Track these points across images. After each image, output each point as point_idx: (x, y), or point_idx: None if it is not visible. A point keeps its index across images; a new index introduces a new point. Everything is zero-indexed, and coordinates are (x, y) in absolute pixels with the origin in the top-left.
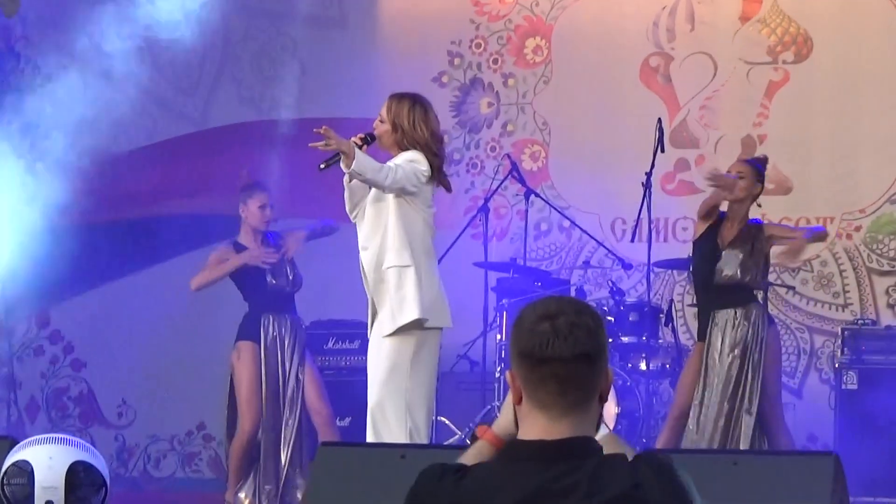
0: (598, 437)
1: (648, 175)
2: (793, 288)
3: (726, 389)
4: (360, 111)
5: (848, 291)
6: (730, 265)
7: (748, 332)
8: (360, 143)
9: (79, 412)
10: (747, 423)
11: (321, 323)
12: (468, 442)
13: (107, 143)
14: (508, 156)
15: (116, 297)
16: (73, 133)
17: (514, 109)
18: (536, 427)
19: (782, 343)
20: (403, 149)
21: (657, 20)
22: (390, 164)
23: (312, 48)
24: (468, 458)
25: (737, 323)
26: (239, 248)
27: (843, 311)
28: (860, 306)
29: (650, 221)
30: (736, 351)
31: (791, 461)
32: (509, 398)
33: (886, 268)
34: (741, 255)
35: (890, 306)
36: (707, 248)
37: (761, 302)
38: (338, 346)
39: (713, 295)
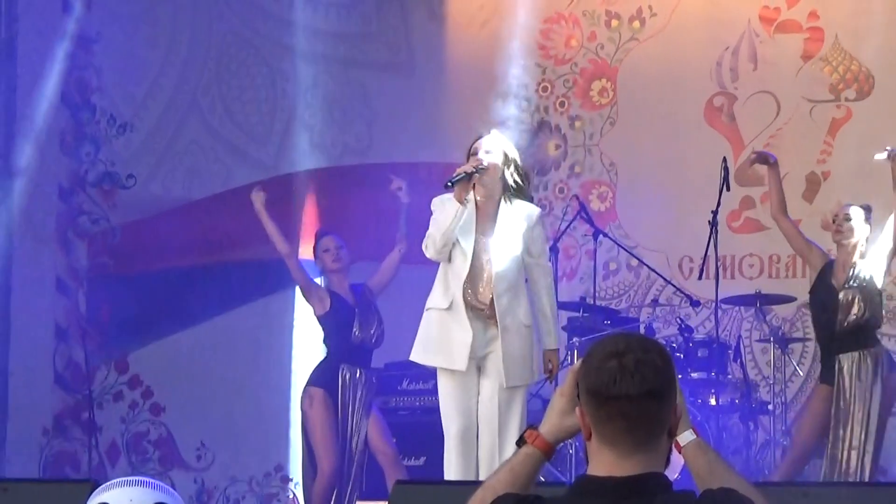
0: (683, 444)
1: (715, 213)
2: None
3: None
4: (429, 156)
5: None
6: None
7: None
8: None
9: (158, 455)
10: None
11: (396, 364)
12: (517, 446)
13: (182, 191)
14: (576, 197)
15: (193, 343)
16: (149, 182)
17: (581, 151)
18: (605, 463)
19: None
20: (508, 186)
21: (720, 60)
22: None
23: (381, 94)
24: (516, 464)
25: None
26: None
27: None
28: None
29: (717, 259)
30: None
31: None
32: (555, 402)
33: None
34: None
35: None
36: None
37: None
38: (412, 387)
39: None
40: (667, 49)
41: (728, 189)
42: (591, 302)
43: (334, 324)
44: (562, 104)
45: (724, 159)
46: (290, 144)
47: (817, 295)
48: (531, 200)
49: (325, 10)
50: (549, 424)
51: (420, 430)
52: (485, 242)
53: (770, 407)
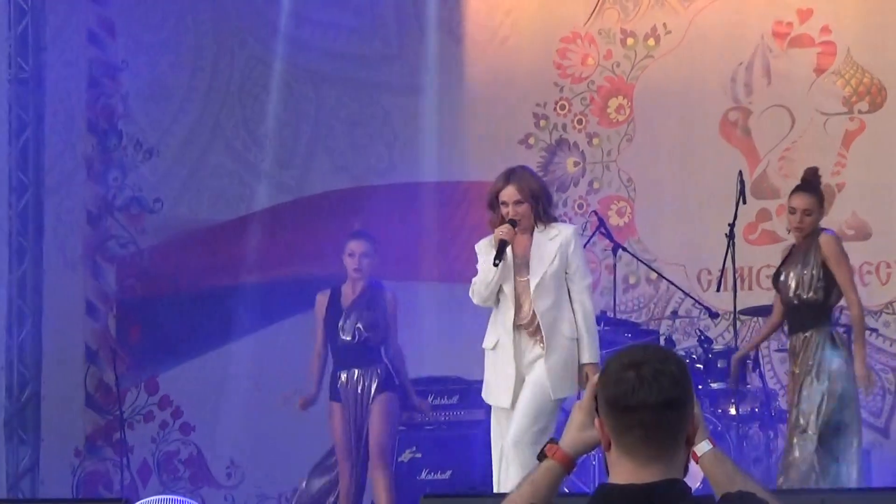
0: (700, 454)
1: (731, 226)
2: (875, 330)
3: None
4: (449, 175)
5: None
6: None
7: None
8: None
9: (189, 474)
10: None
11: (420, 380)
12: (537, 460)
13: (208, 214)
14: (595, 212)
15: (221, 363)
16: (175, 205)
17: (600, 167)
18: (625, 472)
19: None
20: (539, 216)
21: (734, 76)
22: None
23: (402, 115)
24: (537, 478)
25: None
26: (334, 294)
27: None
28: None
29: (734, 271)
30: None
31: (875, 498)
32: (574, 417)
33: None
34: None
35: None
36: None
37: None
38: (437, 402)
39: None
40: (682, 66)
41: (744, 202)
42: (612, 315)
43: (327, 329)
44: (579, 122)
45: (740, 173)
46: (312, 166)
47: None
48: (555, 217)
49: (346, 34)
50: (569, 438)
51: (445, 445)
52: (524, 272)
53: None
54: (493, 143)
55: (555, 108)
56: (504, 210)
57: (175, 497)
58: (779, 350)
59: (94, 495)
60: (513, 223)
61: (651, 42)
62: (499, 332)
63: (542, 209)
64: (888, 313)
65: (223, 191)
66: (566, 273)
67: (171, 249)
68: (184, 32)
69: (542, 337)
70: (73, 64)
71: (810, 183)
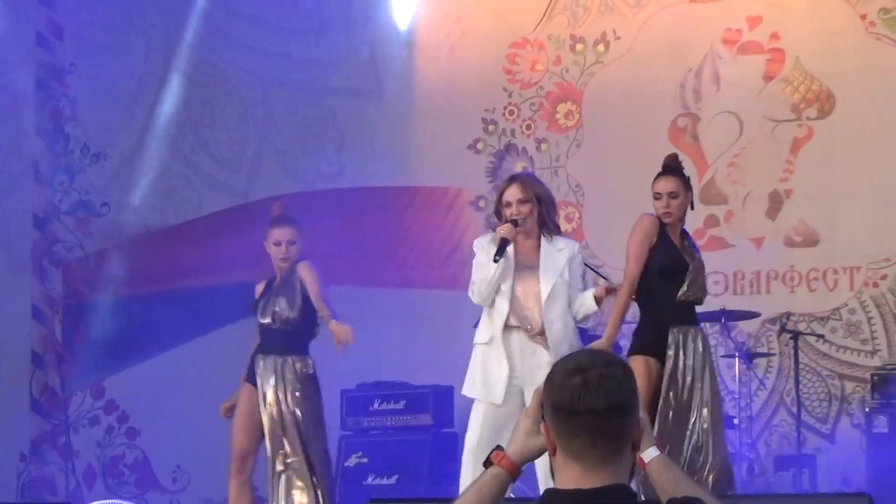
0: (647, 460)
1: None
2: (822, 336)
3: None
4: (399, 180)
5: (876, 338)
6: None
7: None
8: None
9: (135, 479)
10: None
11: (366, 385)
12: (483, 467)
13: (156, 218)
14: None
15: (168, 367)
16: (122, 209)
17: (548, 173)
18: (572, 477)
19: (815, 389)
20: (544, 222)
21: (684, 82)
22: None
23: (351, 119)
24: (483, 484)
25: None
26: (269, 284)
27: (872, 357)
28: (888, 352)
29: None
30: None
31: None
32: (520, 424)
33: None
34: None
35: None
36: None
37: None
38: (383, 407)
39: None
40: (631, 72)
41: (692, 208)
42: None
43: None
44: (528, 127)
45: (688, 179)
46: (261, 171)
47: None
48: (560, 229)
49: (294, 38)
50: (515, 445)
51: (392, 450)
52: (527, 277)
53: (736, 421)
54: (442, 147)
55: (504, 114)
56: (508, 211)
57: (120, 502)
58: (725, 356)
59: (39, 500)
60: (514, 223)
61: (600, 48)
62: (493, 330)
63: (546, 214)
64: (835, 319)
65: (171, 195)
66: (571, 286)
67: (118, 254)
68: (133, 34)
69: (546, 343)
70: (21, 67)
71: (671, 167)
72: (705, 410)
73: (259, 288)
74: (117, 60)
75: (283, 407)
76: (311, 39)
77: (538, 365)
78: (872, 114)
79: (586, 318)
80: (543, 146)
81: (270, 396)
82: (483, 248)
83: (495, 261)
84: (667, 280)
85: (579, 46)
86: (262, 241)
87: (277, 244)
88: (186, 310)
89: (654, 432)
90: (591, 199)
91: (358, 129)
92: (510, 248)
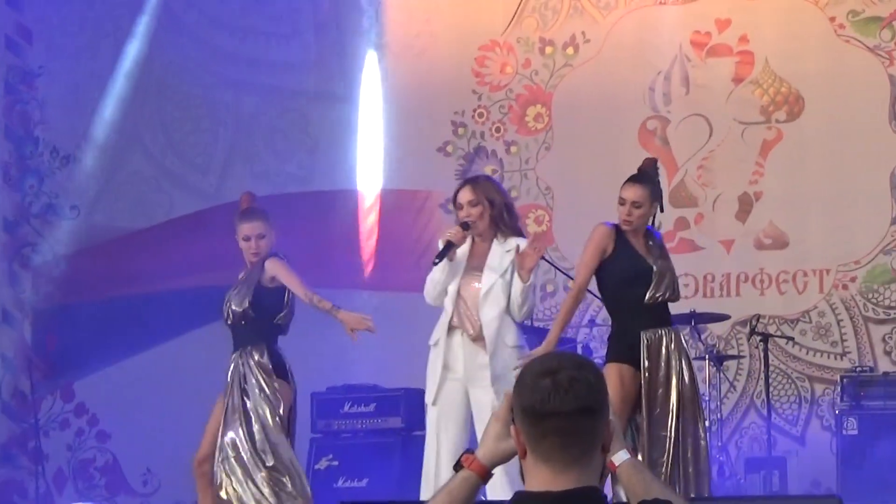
0: (618, 463)
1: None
2: (792, 339)
3: None
4: (368, 182)
5: (846, 340)
6: None
7: None
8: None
9: (105, 482)
10: None
11: (336, 388)
12: (453, 470)
13: (125, 221)
14: None
15: (138, 370)
16: (92, 212)
17: (518, 176)
18: (541, 479)
19: (784, 392)
20: (496, 225)
21: (653, 85)
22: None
23: (321, 123)
24: (453, 487)
25: None
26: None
27: (842, 359)
28: (858, 354)
29: None
30: None
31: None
32: (490, 427)
33: (882, 316)
34: None
35: (887, 353)
36: None
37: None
38: (353, 410)
39: None
40: (600, 74)
41: (662, 210)
42: (530, 324)
43: None
44: (498, 130)
45: (659, 188)
46: (231, 174)
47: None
48: (521, 232)
49: (264, 41)
50: (485, 448)
51: (362, 452)
52: (473, 279)
53: (706, 423)
54: (412, 150)
55: (473, 117)
56: (459, 213)
57: None
58: (696, 358)
59: (9, 503)
60: (465, 226)
61: (570, 51)
62: (439, 332)
63: (500, 217)
64: (804, 321)
65: (141, 198)
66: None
67: (88, 257)
68: (102, 38)
69: (484, 344)
70: None
71: (645, 174)
72: (684, 410)
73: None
74: (86, 64)
75: (237, 398)
76: (282, 43)
77: (480, 367)
78: (841, 116)
79: (525, 302)
80: (513, 149)
81: (228, 388)
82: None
83: (434, 263)
84: (631, 285)
85: (548, 49)
86: (233, 243)
87: (247, 239)
88: (157, 313)
89: (637, 437)
90: (560, 201)
91: (328, 131)
92: (463, 251)
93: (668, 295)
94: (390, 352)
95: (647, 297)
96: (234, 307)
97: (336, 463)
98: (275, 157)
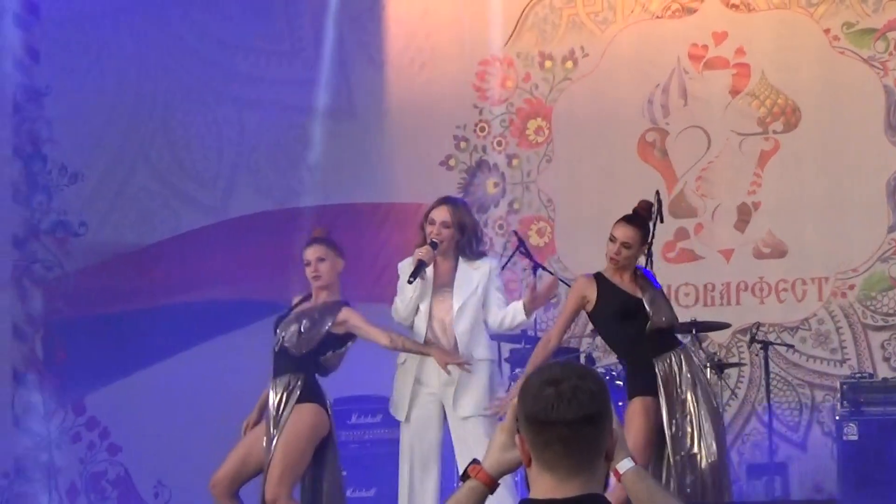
0: (622, 471)
1: (649, 245)
2: (792, 346)
3: None
4: (371, 197)
5: (845, 347)
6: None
7: None
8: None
9: (117, 495)
10: None
11: (344, 399)
12: (460, 481)
13: (133, 237)
14: (515, 232)
15: (148, 384)
16: (100, 228)
17: (520, 188)
18: (546, 487)
19: (785, 398)
20: (463, 250)
21: (651, 97)
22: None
23: (324, 138)
24: (461, 497)
25: None
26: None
27: (842, 366)
28: (857, 361)
29: None
30: None
31: None
32: (496, 437)
33: (880, 323)
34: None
35: (886, 359)
36: None
37: None
38: (361, 421)
39: None
40: (599, 88)
41: (662, 221)
42: (533, 334)
43: None
44: (499, 143)
45: (657, 192)
46: (235, 189)
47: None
48: (485, 254)
49: (266, 59)
50: (491, 459)
51: (370, 463)
52: (444, 297)
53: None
54: (415, 165)
55: (475, 130)
56: (430, 229)
57: None
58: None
59: None
60: (434, 245)
61: (569, 64)
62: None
63: (467, 242)
64: (804, 329)
65: (148, 214)
66: (486, 302)
67: (97, 272)
68: (108, 56)
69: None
70: None
71: (639, 216)
72: (706, 425)
73: (296, 300)
74: (93, 82)
75: (270, 435)
76: (284, 61)
77: (450, 382)
78: (837, 126)
79: (518, 326)
80: (515, 162)
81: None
82: (404, 271)
83: (409, 282)
84: (627, 320)
85: (548, 63)
86: (239, 258)
87: (307, 264)
88: (166, 327)
89: (666, 461)
90: (562, 213)
91: (331, 147)
92: (429, 270)
93: (664, 320)
94: (395, 363)
95: (647, 326)
96: (291, 349)
97: (344, 473)
98: (278, 172)
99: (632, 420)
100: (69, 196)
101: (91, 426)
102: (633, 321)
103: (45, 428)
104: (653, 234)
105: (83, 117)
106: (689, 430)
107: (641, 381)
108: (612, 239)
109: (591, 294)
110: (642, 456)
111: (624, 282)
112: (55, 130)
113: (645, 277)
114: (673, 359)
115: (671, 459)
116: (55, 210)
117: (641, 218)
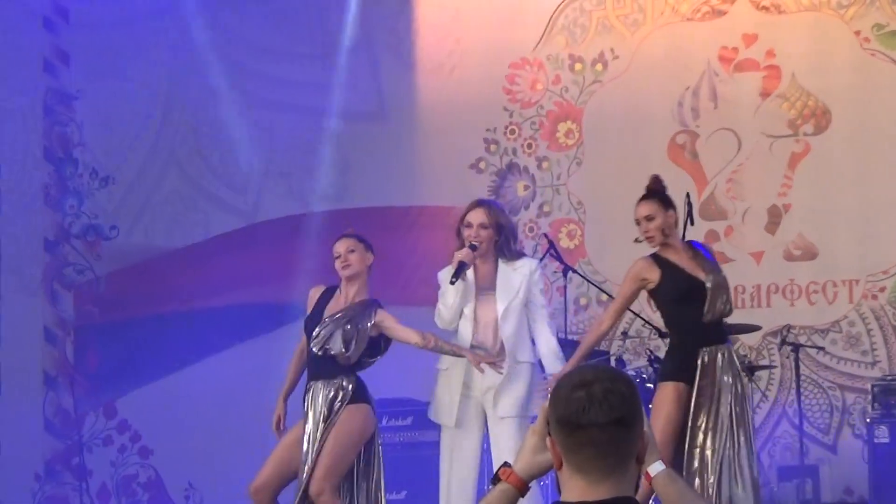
0: (654, 474)
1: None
2: (822, 348)
3: None
4: (402, 200)
5: (876, 349)
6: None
7: None
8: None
9: (148, 497)
10: None
11: (375, 402)
12: (490, 484)
13: (164, 240)
14: (546, 235)
15: (179, 386)
16: (131, 232)
17: (550, 191)
18: (577, 490)
19: (816, 401)
20: (502, 251)
21: (682, 100)
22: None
23: (354, 141)
24: (492, 500)
25: None
26: (326, 294)
27: (872, 368)
28: (888, 363)
29: None
30: None
31: None
32: (527, 440)
33: None
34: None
35: None
36: None
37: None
38: (391, 424)
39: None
40: (629, 90)
41: (692, 223)
42: (564, 336)
43: (308, 333)
44: (529, 146)
45: (688, 195)
46: (266, 192)
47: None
48: (523, 254)
49: (298, 62)
50: (522, 461)
51: (401, 466)
52: (487, 299)
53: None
54: (445, 167)
55: (505, 133)
56: (467, 232)
57: None
58: None
59: None
60: (473, 247)
61: (599, 67)
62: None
63: (504, 243)
64: (835, 331)
65: (178, 217)
66: (530, 304)
67: (128, 275)
68: (137, 60)
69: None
70: (28, 93)
71: (651, 190)
72: (738, 429)
73: (313, 293)
74: (122, 86)
75: (315, 434)
76: (314, 63)
77: (490, 384)
78: (868, 128)
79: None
80: (545, 164)
81: (310, 425)
82: (445, 279)
83: (452, 283)
84: (686, 304)
85: (578, 66)
86: (270, 260)
87: (337, 257)
88: (196, 330)
89: (688, 455)
90: (592, 215)
91: (361, 150)
92: (469, 273)
93: (721, 310)
94: (425, 366)
95: (704, 314)
96: (334, 349)
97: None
98: (309, 175)
99: (661, 407)
100: (100, 200)
101: (122, 429)
102: (692, 306)
103: (76, 431)
104: (683, 236)
105: (113, 121)
106: (718, 427)
107: (681, 366)
108: (637, 221)
109: (654, 275)
110: (668, 448)
111: (682, 260)
112: (85, 134)
113: (704, 256)
114: (718, 354)
115: (688, 449)
116: (86, 214)
117: (653, 190)
